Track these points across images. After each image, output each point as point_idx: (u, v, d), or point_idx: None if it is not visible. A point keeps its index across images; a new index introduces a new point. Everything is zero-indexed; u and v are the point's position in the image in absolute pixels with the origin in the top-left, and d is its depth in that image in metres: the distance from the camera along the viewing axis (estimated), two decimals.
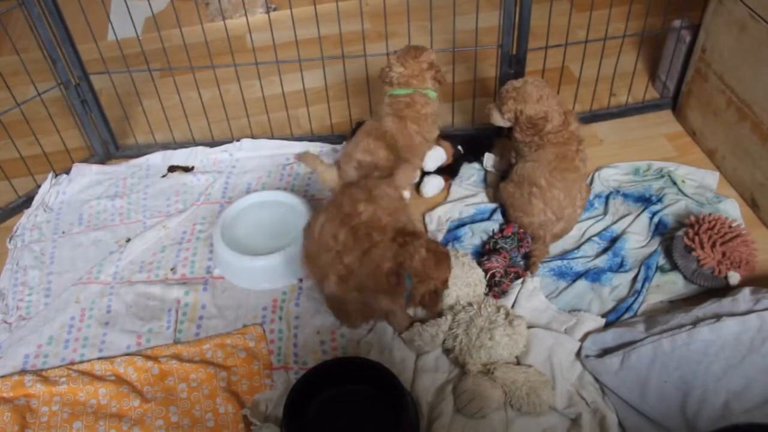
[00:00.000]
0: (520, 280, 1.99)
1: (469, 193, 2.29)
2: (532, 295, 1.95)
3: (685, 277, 1.99)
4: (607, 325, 1.89)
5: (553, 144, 2.04)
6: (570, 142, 2.05)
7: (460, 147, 2.33)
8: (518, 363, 1.82)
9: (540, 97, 2.02)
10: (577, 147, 2.06)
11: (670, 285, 2.00)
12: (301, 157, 2.12)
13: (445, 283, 1.74)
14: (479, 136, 2.21)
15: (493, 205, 2.23)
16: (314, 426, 1.73)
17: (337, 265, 1.73)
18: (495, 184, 2.23)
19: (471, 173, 2.36)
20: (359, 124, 2.35)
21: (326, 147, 2.49)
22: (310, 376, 1.74)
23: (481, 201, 2.26)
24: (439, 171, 2.30)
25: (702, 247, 1.92)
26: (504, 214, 2.18)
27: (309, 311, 2.00)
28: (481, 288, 1.94)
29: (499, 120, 2.13)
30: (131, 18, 2.29)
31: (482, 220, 2.19)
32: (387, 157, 2.06)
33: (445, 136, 2.28)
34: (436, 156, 2.26)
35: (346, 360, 1.83)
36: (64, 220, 2.32)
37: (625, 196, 2.24)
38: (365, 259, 1.70)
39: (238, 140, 2.53)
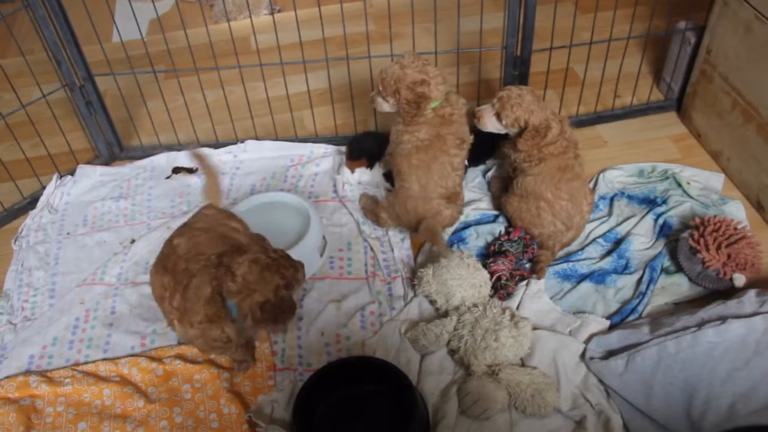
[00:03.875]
0: (524, 282, 1.99)
1: (474, 197, 2.28)
2: (536, 297, 1.95)
3: (690, 279, 1.99)
4: (612, 327, 1.89)
5: (554, 156, 2.02)
6: (568, 150, 2.04)
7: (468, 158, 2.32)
8: (523, 365, 1.82)
9: (540, 106, 2.00)
10: (574, 153, 2.05)
11: (675, 287, 1.99)
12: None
13: (277, 291, 1.52)
14: (483, 138, 2.20)
15: (495, 211, 2.24)
16: (324, 426, 1.73)
17: (170, 311, 1.66)
18: (498, 195, 2.22)
19: (475, 175, 2.36)
20: (361, 136, 2.35)
21: (330, 148, 2.49)
22: (319, 376, 1.74)
23: (487, 207, 2.26)
24: None
25: (707, 249, 1.92)
26: (510, 222, 2.18)
27: (312, 313, 2.00)
28: (486, 289, 1.94)
29: (491, 125, 2.07)
30: (136, 20, 2.30)
31: (487, 222, 2.19)
32: None
33: None
34: None
35: (354, 360, 1.84)
36: (68, 221, 2.32)
37: (630, 197, 2.24)
38: (186, 293, 1.60)
39: (242, 142, 2.53)
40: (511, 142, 2.08)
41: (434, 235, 2.04)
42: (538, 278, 2.00)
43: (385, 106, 2.08)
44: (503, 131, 2.07)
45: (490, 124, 2.07)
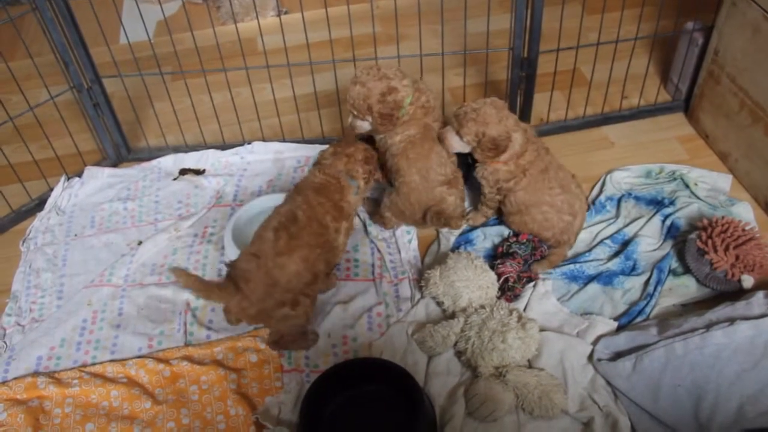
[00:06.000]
0: (532, 284, 1.98)
1: None
2: (544, 299, 1.95)
3: (697, 280, 1.98)
4: (620, 329, 1.89)
5: (532, 164, 2.01)
6: (541, 154, 2.03)
7: (470, 159, 2.31)
8: (530, 366, 1.81)
9: (501, 117, 1.96)
10: (545, 151, 2.05)
11: (683, 288, 1.99)
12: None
13: (366, 151, 1.95)
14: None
15: None
16: (331, 428, 1.73)
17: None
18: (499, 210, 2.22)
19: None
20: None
21: None
22: (326, 377, 1.74)
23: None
24: None
25: (715, 251, 1.91)
26: None
27: (319, 315, 2.00)
28: (494, 291, 1.94)
29: (457, 145, 2.03)
30: (143, 21, 2.30)
31: (495, 224, 2.19)
32: None
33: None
34: None
35: (361, 361, 1.84)
36: (76, 222, 2.32)
37: (637, 198, 2.23)
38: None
39: (249, 143, 2.53)
40: (482, 167, 2.06)
41: (442, 215, 2.06)
42: (540, 271, 2.02)
43: (365, 125, 2.08)
44: (467, 149, 2.03)
45: (455, 143, 2.03)
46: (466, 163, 2.31)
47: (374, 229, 2.21)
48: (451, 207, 2.09)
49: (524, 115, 2.45)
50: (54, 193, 2.40)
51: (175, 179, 2.45)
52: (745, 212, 2.16)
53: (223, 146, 2.55)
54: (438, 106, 2.11)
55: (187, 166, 2.49)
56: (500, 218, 2.20)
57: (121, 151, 2.56)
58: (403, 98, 2.01)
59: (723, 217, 1.98)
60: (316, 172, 1.91)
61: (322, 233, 1.83)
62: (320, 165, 1.92)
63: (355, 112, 2.05)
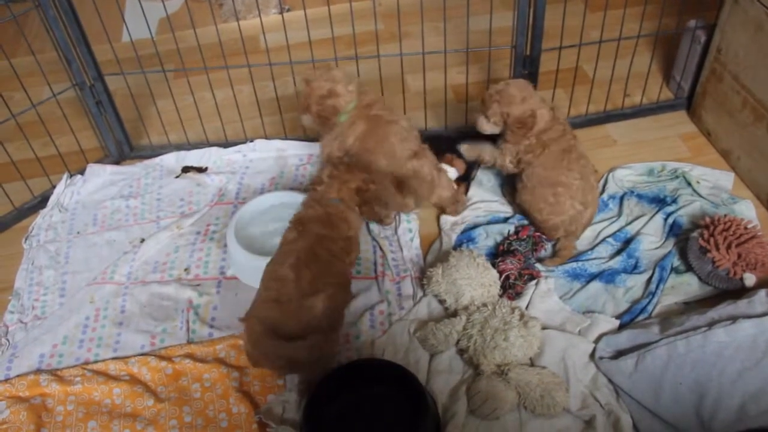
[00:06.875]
0: (534, 282, 1.98)
1: (487, 198, 2.28)
2: (546, 297, 1.95)
3: (700, 278, 1.98)
4: (621, 327, 1.89)
5: (554, 140, 2.02)
6: (566, 133, 2.05)
7: None
8: (532, 364, 1.81)
9: (524, 97, 2.00)
10: (572, 135, 2.06)
11: (685, 286, 1.99)
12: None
13: (366, 181, 1.86)
14: (492, 137, 2.20)
15: (508, 212, 2.23)
16: (335, 427, 1.73)
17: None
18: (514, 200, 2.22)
19: (488, 178, 2.34)
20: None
21: None
22: (330, 378, 1.74)
23: (497, 209, 2.24)
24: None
25: (717, 249, 1.91)
26: (528, 219, 2.16)
27: None
28: (496, 289, 1.94)
29: (486, 126, 2.09)
30: (145, 19, 2.30)
31: (497, 223, 2.19)
32: None
33: (459, 155, 2.26)
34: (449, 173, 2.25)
35: (364, 362, 1.83)
36: (78, 220, 2.33)
37: (640, 196, 2.23)
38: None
39: (251, 141, 2.53)
40: (504, 141, 2.09)
41: (403, 184, 2.05)
42: (551, 265, 2.03)
43: (308, 121, 2.11)
44: (497, 129, 2.08)
45: (485, 125, 2.09)
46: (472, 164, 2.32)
47: (376, 227, 2.21)
48: (429, 176, 2.10)
49: None
50: (56, 191, 2.41)
51: (177, 177, 2.45)
52: (747, 210, 2.16)
53: (226, 144, 2.55)
54: (380, 99, 2.12)
55: (189, 164, 2.49)
56: (511, 208, 2.21)
57: (124, 148, 2.56)
58: (347, 103, 2.04)
59: (725, 216, 1.98)
60: (313, 204, 1.82)
61: (343, 271, 1.78)
62: (316, 193, 1.85)
63: (302, 108, 2.10)
